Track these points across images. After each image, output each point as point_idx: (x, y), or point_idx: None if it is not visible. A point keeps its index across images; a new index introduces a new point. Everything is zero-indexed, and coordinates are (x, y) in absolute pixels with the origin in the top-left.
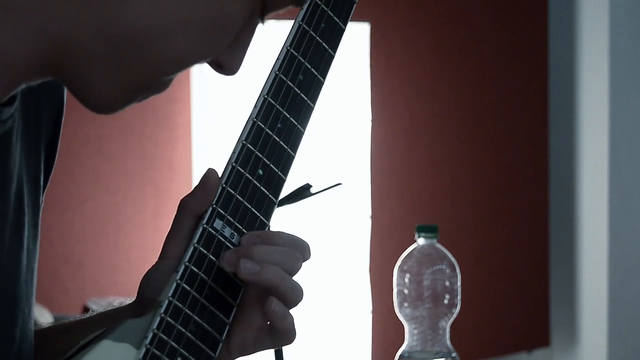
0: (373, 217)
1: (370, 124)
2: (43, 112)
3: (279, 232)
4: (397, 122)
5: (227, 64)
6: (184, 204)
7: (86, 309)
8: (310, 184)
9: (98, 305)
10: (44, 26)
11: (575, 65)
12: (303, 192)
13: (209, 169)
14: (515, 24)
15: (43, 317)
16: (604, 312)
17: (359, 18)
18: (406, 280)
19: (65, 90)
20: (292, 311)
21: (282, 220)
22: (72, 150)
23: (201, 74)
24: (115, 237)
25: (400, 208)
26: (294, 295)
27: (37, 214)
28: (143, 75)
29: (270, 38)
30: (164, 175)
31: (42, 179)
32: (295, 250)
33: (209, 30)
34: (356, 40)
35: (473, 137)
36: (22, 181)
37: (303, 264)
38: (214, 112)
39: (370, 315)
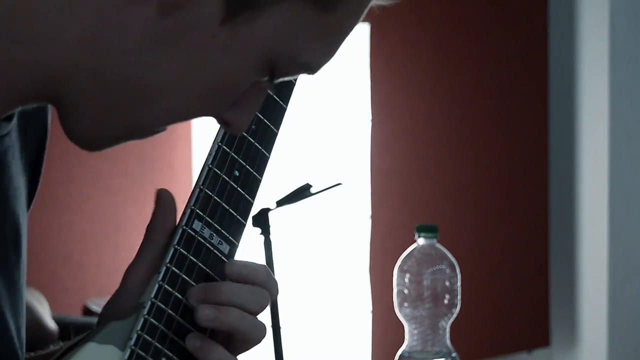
0: (373, 217)
1: (370, 124)
2: (28, 133)
3: (259, 266)
4: (397, 122)
5: (232, 122)
6: (147, 227)
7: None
8: (310, 184)
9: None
10: (47, 60)
11: (575, 65)
12: (303, 192)
13: (158, 190)
14: (515, 24)
15: (45, 309)
16: (604, 312)
17: None
18: (406, 280)
19: (50, 114)
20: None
21: (282, 220)
22: (72, 150)
23: None
24: (115, 237)
25: (400, 208)
26: (254, 335)
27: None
28: (133, 122)
29: None
30: (164, 175)
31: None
32: (264, 290)
33: (209, 92)
34: (356, 40)
35: (473, 137)
36: (19, 200)
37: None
38: None
39: (370, 315)
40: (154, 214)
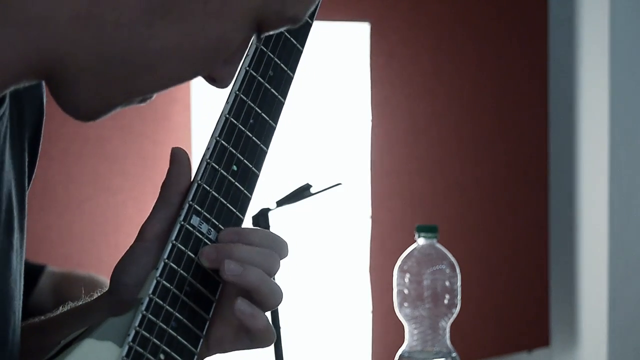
0: (373, 217)
1: (370, 124)
2: (26, 113)
3: (256, 230)
4: (397, 122)
5: (219, 78)
6: (162, 185)
7: None
8: (310, 184)
9: None
10: (41, 40)
11: (575, 65)
12: (303, 192)
13: (173, 148)
14: (515, 24)
15: None
16: (604, 312)
17: (359, 18)
18: (406, 280)
19: (45, 92)
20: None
21: (282, 220)
22: (72, 150)
23: None
24: (115, 237)
25: (400, 208)
26: (272, 298)
27: (23, 217)
28: (131, 92)
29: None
30: (164, 175)
31: (26, 181)
32: (274, 251)
33: (205, 56)
34: (356, 40)
35: (473, 137)
36: (10, 183)
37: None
38: (214, 112)
39: (370, 315)
40: (169, 172)
